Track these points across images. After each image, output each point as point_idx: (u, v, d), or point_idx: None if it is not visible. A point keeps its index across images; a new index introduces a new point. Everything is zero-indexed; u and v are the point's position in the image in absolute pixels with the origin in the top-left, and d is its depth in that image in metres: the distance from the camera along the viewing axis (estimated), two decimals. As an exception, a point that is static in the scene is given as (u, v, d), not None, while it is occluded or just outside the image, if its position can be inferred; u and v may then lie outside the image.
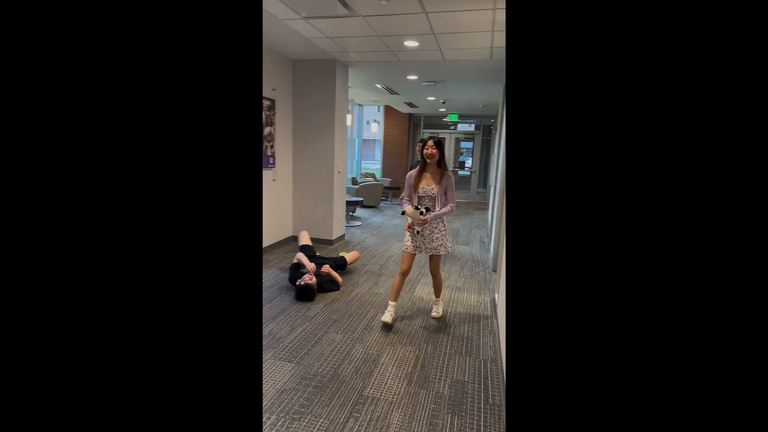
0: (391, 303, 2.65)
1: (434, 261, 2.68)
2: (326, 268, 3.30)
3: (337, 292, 3.20)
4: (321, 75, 4.39)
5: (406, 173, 2.58)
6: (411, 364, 2.17)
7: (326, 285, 3.19)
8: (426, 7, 2.69)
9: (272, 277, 3.46)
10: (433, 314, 2.82)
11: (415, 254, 2.61)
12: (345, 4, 2.70)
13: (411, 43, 3.56)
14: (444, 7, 2.66)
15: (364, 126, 10.04)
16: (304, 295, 2.98)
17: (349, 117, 6.78)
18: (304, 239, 3.94)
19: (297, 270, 3.24)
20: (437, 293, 2.83)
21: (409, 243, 2.61)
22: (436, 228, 2.59)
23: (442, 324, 2.71)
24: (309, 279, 3.05)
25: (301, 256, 3.34)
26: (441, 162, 2.53)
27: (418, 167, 2.60)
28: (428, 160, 2.51)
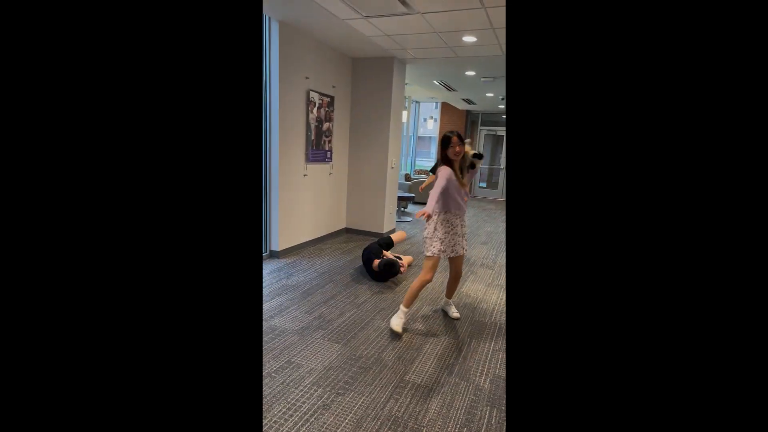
0: (404, 309, 2.42)
1: (461, 260, 2.54)
2: (388, 254, 3.46)
3: (387, 283, 3.30)
4: (379, 72, 4.51)
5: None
6: (453, 356, 2.20)
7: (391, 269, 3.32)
8: (485, 2, 2.66)
9: (325, 264, 3.66)
10: (455, 315, 2.69)
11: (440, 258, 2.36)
12: (404, 2, 2.77)
13: (469, 39, 3.54)
14: (503, 0, 2.62)
15: (420, 123, 10.05)
16: (388, 269, 3.18)
17: (404, 113, 6.85)
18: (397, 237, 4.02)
19: (371, 254, 3.39)
20: (453, 293, 2.72)
21: (438, 245, 2.34)
22: (465, 223, 2.49)
23: (489, 321, 2.69)
24: (388, 256, 3.30)
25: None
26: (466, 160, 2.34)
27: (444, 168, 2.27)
28: (454, 158, 2.25)
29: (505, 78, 5.29)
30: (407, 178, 8.15)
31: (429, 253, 2.35)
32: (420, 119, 9.91)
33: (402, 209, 6.43)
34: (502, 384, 1.98)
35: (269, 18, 3.36)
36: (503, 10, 2.77)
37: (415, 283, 2.38)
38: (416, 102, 8.91)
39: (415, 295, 2.40)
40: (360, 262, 3.74)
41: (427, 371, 2.05)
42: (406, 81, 5.78)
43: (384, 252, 3.52)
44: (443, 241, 2.36)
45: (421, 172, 9.23)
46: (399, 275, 3.38)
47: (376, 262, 3.29)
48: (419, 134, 10.56)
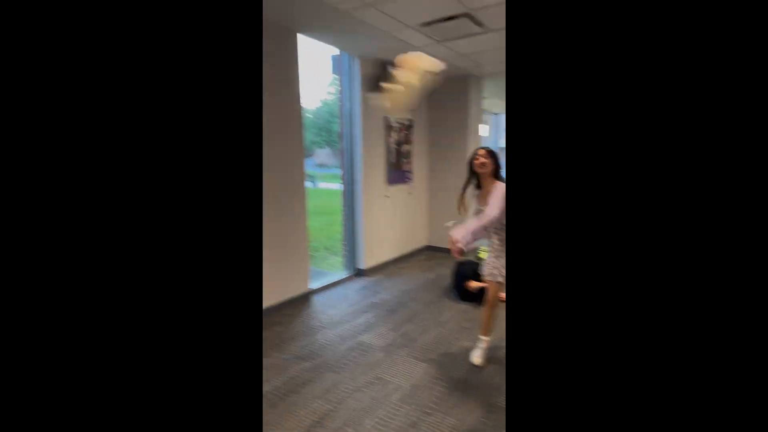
0: (484, 338, 2.26)
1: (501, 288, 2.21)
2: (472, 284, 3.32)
3: (469, 303, 3.24)
4: (454, 91, 4.55)
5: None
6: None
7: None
8: (565, 10, 2.57)
9: (407, 283, 3.73)
10: (477, 361, 2.25)
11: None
12: (478, 23, 2.81)
13: (549, 47, 3.40)
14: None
15: (503, 134, 9.74)
16: (473, 296, 3.14)
17: (485, 127, 6.72)
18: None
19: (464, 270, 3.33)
20: (490, 330, 2.27)
21: (500, 268, 2.15)
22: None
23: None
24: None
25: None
26: (497, 175, 2.10)
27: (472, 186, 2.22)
28: (480, 171, 2.09)
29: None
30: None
31: (491, 275, 2.19)
32: (502, 130, 9.60)
33: (485, 225, 6.24)
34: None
35: (349, 56, 3.67)
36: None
37: (486, 310, 2.24)
38: (495, 114, 8.69)
39: (491, 321, 2.24)
40: (443, 280, 3.73)
41: (517, 397, 1.96)
42: (484, 95, 5.71)
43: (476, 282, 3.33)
44: (495, 261, 2.18)
45: (503, 185, 8.88)
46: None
47: (474, 284, 3.19)
48: (502, 146, 10.22)
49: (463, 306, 3.16)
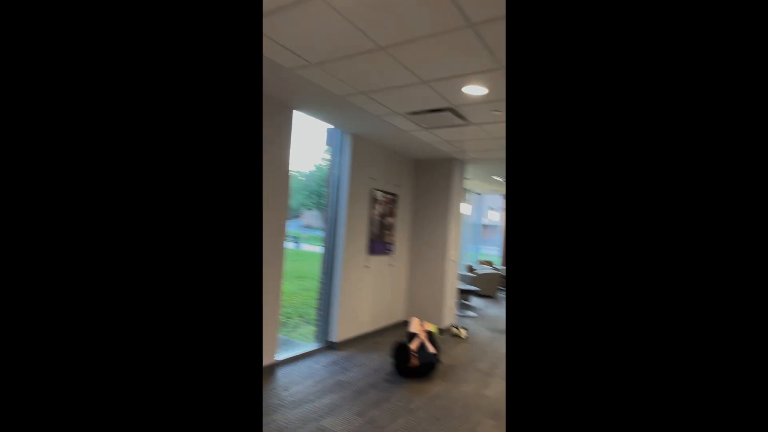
0: None
1: None
2: (420, 340, 3.39)
3: (443, 386, 3.08)
4: (439, 171, 4.82)
5: None
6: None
7: (428, 361, 3.25)
8: (537, 113, 2.86)
9: (380, 360, 3.56)
10: None
11: None
12: (461, 117, 3.08)
13: (526, 142, 3.71)
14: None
15: (485, 212, 10.11)
16: (400, 352, 3.17)
17: (467, 206, 6.99)
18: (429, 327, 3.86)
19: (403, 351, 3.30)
20: None
21: None
22: None
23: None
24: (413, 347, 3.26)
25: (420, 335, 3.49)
26: None
27: None
28: None
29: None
30: (470, 269, 7.96)
31: None
32: (484, 208, 9.99)
33: (464, 302, 6.19)
34: None
35: (341, 132, 3.92)
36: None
37: None
38: (478, 194, 9.11)
39: None
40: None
41: (485, 506, 1.78)
42: (467, 176, 6.05)
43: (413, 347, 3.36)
44: None
45: (484, 262, 8.99)
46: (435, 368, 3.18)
47: (415, 362, 3.19)
48: (484, 223, 10.55)
49: (437, 391, 3.00)
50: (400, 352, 3.22)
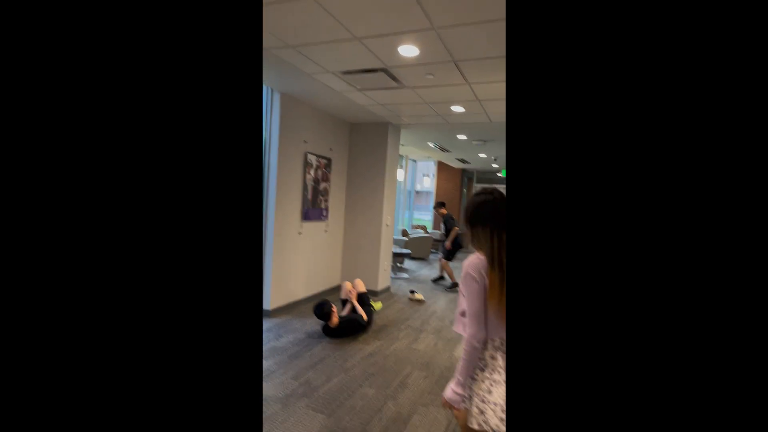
0: None
1: None
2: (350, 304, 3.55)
3: (377, 345, 3.22)
4: (375, 136, 4.77)
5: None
6: (442, 429, 2.10)
7: (354, 322, 3.39)
8: (468, 79, 2.91)
9: (315, 325, 3.59)
10: None
11: None
12: (395, 79, 3.03)
13: (458, 109, 3.80)
14: (484, 78, 2.87)
15: (418, 178, 10.37)
16: (319, 310, 3.26)
17: (401, 171, 7.10)
18: (360, 287, 3.92)
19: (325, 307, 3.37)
20: None
21: (492, 412, 1.12)
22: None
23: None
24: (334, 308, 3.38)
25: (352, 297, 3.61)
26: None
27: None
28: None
29: (495, 141, 5.58)
30: (404, 233, 8.23)
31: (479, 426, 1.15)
32: (418, 175, 10.24)
33: (398, 265, 6.42)
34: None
35: (272, 90, 3.64)
36: (486, 85, 3.02)
37: None
38: (413, 161, 9.28)
39: None
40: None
41: (413, 447, 1.94)
42: (402, 142, 6.08)
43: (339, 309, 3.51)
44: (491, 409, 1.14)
45: (418, 227, 9.35)
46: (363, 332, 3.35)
47: (336, 320, 3.30)
48: (417, 189, 10.86)
49: (371, 350, 3.12)
50: (320, 312, 3.28)
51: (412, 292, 4.90)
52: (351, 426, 2.07)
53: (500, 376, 1.14)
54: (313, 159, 4.20)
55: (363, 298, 3.73)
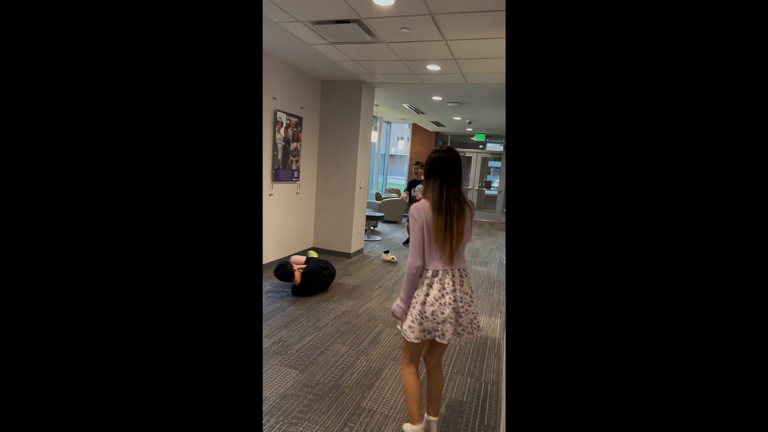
0: (414, 428, 1.55)
1: (440, 350, 1.62)
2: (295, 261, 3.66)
3: (350, 305, 3.28)
4: (348, 94, 4.59)
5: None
6: (411, 381, 2.21)
7: (316, 271, 3.48)
8: (445, 35, 2.80)
9: (289, 284, 3.60)
10: None
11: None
12: (369, 32, 2.87)
13: (433, 67, 3.69)
14: (461, 35, 2.77)
15: (393, 142, 10.23)
16: (279, 272, 3.33)
17: (375, 134, 6.96)
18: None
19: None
20: (437, 409, 1.65)
21: (414, 326, 1.45)
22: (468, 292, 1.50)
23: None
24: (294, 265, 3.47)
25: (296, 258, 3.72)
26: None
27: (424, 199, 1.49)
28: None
29: (470, 104, 5.52)
30: (377, 197, 8.21)
31: (404, 332, 1.50)
32: (392, 138, 10.09)
33: (372, 228, 6.45)
34: (458, 408, 1.99)
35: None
36: (463, 42, 2.92)
37: (407, 381, 1.56)
38: (387, 123, 9.09)
39: (417, 397, 1.55)
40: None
41: (384, 396, 2.04)
42: (376, 103, 5.91)
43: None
44: (413, 317, 1.46)
45: (392, 191, 9.34)
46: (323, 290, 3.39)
47: (298, 275, 3.39)
48: (391, 153, 10.74)
49: (344, 309, 3.18)
50: (280, 274, 3.32)
51: (386, 252, 4.98)
52: (324, 380, 2.14)
53: (425, 297, 1.44)
54: (283, 117, 4.01)
55: (312, 263, 3.67)
